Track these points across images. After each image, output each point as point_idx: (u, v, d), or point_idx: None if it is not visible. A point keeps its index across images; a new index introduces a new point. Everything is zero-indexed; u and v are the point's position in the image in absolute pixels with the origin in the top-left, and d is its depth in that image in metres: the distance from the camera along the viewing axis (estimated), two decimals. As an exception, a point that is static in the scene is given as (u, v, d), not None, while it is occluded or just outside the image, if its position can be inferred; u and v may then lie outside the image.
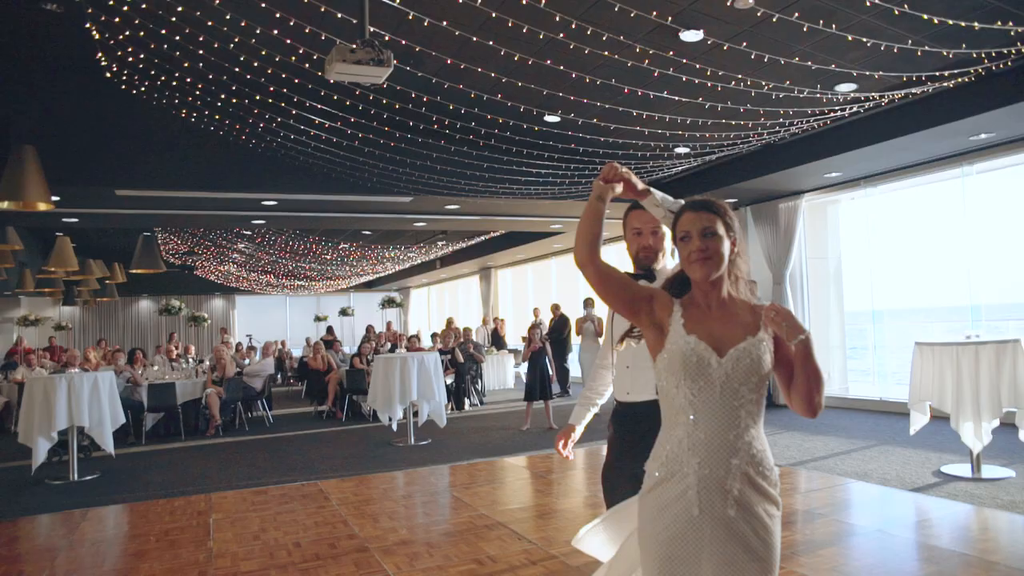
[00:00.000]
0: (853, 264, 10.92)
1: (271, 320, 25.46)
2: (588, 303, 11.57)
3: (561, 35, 4.75)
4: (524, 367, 10.59)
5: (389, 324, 18.21)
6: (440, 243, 16.98)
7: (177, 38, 5.91)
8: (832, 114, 7.04)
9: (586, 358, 11.24)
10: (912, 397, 6.19)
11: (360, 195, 9.45)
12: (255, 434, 10.07)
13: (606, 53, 5.01)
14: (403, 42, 5.17)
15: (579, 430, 2.89)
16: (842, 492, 5.79)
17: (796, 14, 4.56)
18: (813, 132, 8.03)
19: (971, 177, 8.73)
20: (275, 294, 24.71)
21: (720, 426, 1.75)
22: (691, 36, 5.31)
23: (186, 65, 6.48)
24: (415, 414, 8.88)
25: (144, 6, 5.47)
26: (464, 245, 16.84)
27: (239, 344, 18.20)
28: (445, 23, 4.82)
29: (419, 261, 19.54)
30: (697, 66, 5.31)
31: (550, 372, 10.16)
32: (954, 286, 9.25)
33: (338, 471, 7.20)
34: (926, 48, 5.03)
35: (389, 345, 14.48)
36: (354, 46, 4.20)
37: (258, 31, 5.43)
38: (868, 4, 4.27)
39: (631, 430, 2.62)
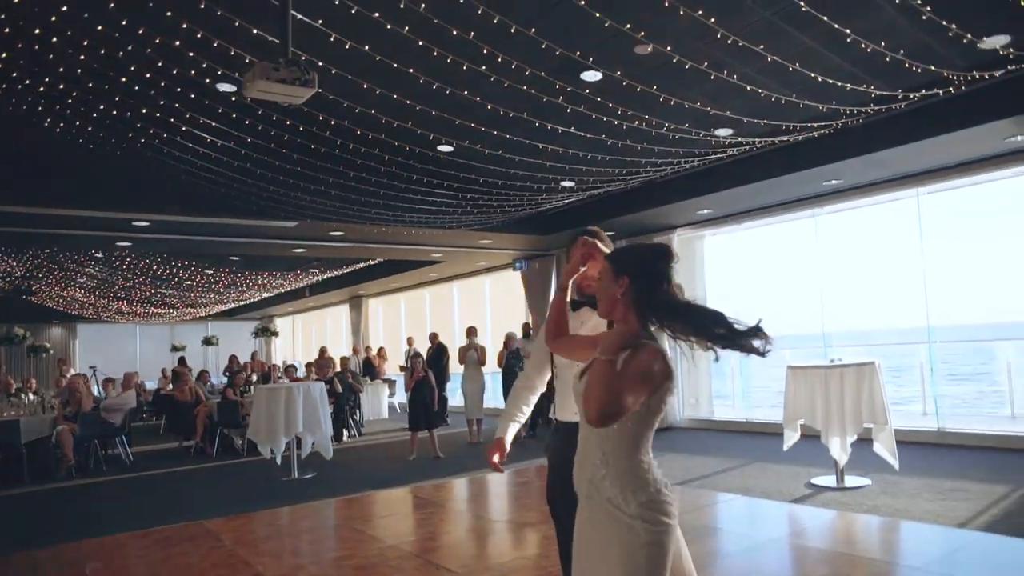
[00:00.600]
0: (718, 296, 11.77)
1: (118, 350, 23.38)
2: (471, 332, 11.64)
3: (483, 67, 4.87)
4: (400, 396, 10.35)
5: (255, 354, 17.30)
6: (313, 271, 16.47)
7: (54, 40, 5.44)
8: (713, 155, 7.64)
9: (469, 387, 11.25)
10: (786, 416, 6.77)
11: (243, 219, 9.03)
12: (115, 474, 9.20)
13: (524, 88, 5.18)
14: (319, 63, 5.07)
15: (508, 444, 2.97)
16: (731, 507, 6.19)
17: (704, 63, 4.96)
18: (692, 171, 8.64)
19: (822, 217, 9.77)
20: (124, 322, 22.77)
21: (582, 441, 2.07)
22: (591, 76, 5.60)
23: (61, 70, 5.97)
24: (298, 446, 8.50)
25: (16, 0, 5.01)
26: (339, 273, 16.43)
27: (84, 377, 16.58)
28: (367, 47, 4.79)
29: (288, 289, 18.81)
30: (610, 104, 5.61)
31: (434, 401, 10.08)
32: (807, 315, 10.22)
33: (222, 509, 6.73)
34: (807, 102, 5.63)
35: (256, 376, 13.77)
36: (277, 64, 4.08)
37: (157, 41, 5.13)
38: (769, 60, 4.74)
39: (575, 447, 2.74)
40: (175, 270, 14.55)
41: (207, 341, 21.67)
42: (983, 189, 8.39)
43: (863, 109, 6.23)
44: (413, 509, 6.90)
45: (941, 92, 5.96)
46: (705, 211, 10.39)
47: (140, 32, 5.05)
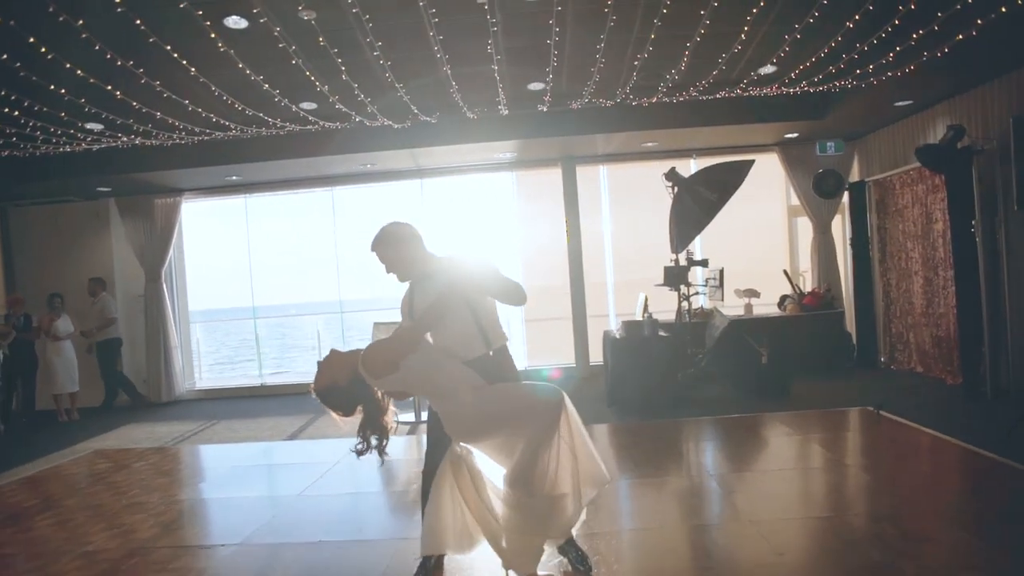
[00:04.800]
0: (194, 259, 11.82)
1: None
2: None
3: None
4: None
5: None
6: None
7: None
8: (289, 126, 8.00)
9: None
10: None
11: None
12: None
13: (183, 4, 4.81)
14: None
15: None
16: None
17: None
18: (244, 137, 8.46)
19: (338, 191, 11.26)
20: None
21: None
22: (235, 23, 5.33)
23: None
24: None
25: None
26: None
27: None
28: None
29: None
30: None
31: None
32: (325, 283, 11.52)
33: None
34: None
35: None
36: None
37: None
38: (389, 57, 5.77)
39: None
40: None
41: None
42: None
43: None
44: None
45: (506, 111, 8.01)
46: (234, 177, 10.34)
47: None
